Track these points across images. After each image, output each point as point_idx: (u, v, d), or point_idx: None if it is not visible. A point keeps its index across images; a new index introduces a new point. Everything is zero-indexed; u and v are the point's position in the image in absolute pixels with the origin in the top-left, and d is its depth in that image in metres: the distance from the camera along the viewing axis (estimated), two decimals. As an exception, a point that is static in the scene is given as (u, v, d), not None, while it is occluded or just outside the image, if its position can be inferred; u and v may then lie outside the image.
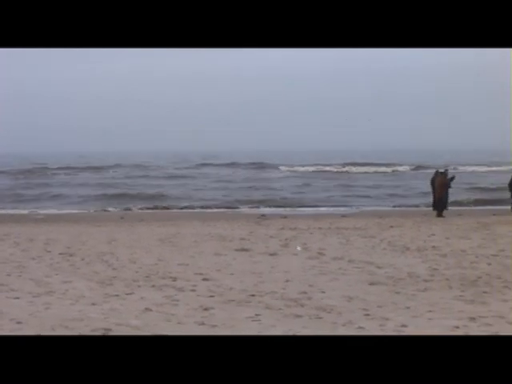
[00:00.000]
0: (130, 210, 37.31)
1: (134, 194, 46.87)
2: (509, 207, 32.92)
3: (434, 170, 33.93)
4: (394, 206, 39.05)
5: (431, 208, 32.04)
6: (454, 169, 69.85)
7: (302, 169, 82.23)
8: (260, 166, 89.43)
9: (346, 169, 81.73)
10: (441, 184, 30.56)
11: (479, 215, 29.89)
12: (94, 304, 11.07)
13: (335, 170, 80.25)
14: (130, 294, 11.96)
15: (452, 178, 31.84)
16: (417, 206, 38.61)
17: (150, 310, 10.55)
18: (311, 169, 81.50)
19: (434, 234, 21.40)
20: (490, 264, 15.17)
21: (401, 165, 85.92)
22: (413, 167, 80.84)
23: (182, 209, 38.55)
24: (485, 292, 11.92)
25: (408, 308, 10.62)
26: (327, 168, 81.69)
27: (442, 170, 32.67)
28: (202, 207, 38.97)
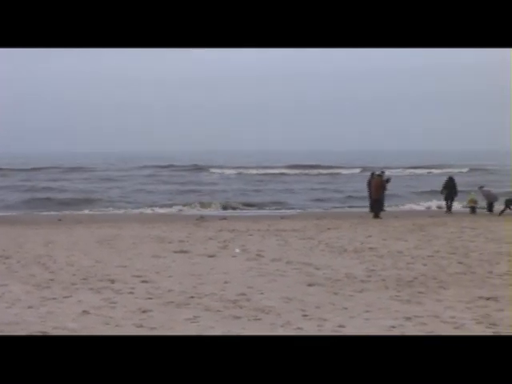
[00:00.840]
0: (64, 212, 36.59)
1: (66, 197, 46.12)
2: (443, 209, 33.60)
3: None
4: (326, 209, 39.24)
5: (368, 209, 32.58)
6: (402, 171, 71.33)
7: (236, 171, 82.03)
8: (199, 167, 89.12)
9: (285, 171, 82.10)
10: (377, 186, 30.93)
11: (415, 217, 30.36)
12: (30, 307, 10.92)
13: (273, 172, 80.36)
14: (68, 296, 11.82)
15: (388, 180, 32.33)
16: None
17: (88, 313, 10.46)
18: (255, 171, 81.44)
19: (370, 236, 21.69)
20: (425, 265, 15.44)
21: (349, 167, 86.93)
22: (361, 170, 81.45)
23: (120, 211, 38.12)
24: (420, 292, 12.13)
25: (345, 308, 10.75)
26: (270, 171, 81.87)
27: (379, 172, 33.16)
28: (140, 209, 38.64)
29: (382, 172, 33.59)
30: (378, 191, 30.79)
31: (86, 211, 37.26)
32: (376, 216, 29.88)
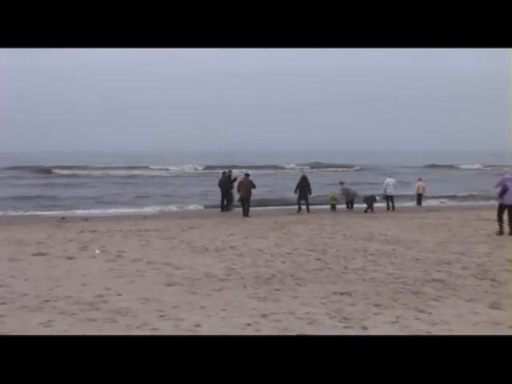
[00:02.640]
0: None
1: None
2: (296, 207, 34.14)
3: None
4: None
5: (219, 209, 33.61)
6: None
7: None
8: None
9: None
10: (246, 185, 31.39)
11: (277, 215, 30.82)
12: None
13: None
14: None
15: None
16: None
17: None
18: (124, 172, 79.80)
19: (233, 234, 21.87)
20: (284, 262, 15.73)
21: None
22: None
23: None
24: (277, 289, 12.34)
25: (203, 308, 10.80)
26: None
27: (247, 172, 33.80)
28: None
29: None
30: (246, 191, 31.25)
31: None
32: (245, 215, 30.57)
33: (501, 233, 21.95)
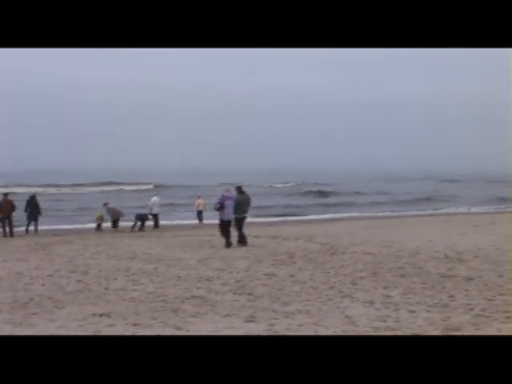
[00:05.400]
0: None
1: None
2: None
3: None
4: None
5: None
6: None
7: None
8: None
9: None
10: (9, 205, 31.27)
11: (40, 236, 30.12)
12: None
13: None
14: None
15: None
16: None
17: None
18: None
19: (-9, 258, 21.01)
20: (44, 285, 15.39)
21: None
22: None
23: None
24: (34, 313, 12.04)
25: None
26: None
27: (6, 191, 32.95)
28: None
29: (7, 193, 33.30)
30: (8, 211, 31.10)
31: None
32: (8, 235, 30.45)
33: (228, 245, 23.41)
